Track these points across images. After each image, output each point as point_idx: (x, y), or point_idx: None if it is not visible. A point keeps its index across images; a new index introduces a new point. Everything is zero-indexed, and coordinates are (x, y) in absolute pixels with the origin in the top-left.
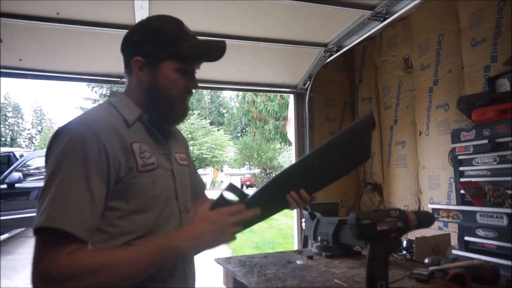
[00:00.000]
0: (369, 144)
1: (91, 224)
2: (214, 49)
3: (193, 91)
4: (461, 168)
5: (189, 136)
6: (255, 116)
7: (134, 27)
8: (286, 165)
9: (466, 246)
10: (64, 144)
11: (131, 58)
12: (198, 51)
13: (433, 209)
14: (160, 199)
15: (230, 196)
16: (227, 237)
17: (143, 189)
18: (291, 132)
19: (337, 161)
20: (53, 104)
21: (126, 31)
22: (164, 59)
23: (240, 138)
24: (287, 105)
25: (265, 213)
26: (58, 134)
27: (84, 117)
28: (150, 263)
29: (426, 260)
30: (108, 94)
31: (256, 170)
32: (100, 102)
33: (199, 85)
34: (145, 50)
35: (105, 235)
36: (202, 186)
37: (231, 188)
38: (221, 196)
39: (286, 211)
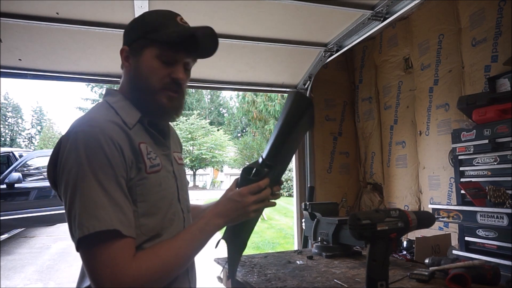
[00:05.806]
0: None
1: (133, 223)
2: (198, 34)
3: (181, 83)
4: (461, 168)
5: (189, 136)
6: (255, 116)
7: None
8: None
9: (467, 246)
10: (81, 149)
11: None
12: (177, 35)
13: (433, 209)
14: (165, 201)
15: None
16: (250, 214)
17: (151, 190)
18: None
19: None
20: (52, 104)
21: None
22: (145, 46)
23: (240, 138)
24: None
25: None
26: (67, 139)
27: (89, 119)
28: (199, 244)
29: (427, 260)
30: (104, 93)
31: None
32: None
33: (199, 85)
34: (130, 39)
35: None
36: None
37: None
38: (242, 175)
39: (286, 211)
